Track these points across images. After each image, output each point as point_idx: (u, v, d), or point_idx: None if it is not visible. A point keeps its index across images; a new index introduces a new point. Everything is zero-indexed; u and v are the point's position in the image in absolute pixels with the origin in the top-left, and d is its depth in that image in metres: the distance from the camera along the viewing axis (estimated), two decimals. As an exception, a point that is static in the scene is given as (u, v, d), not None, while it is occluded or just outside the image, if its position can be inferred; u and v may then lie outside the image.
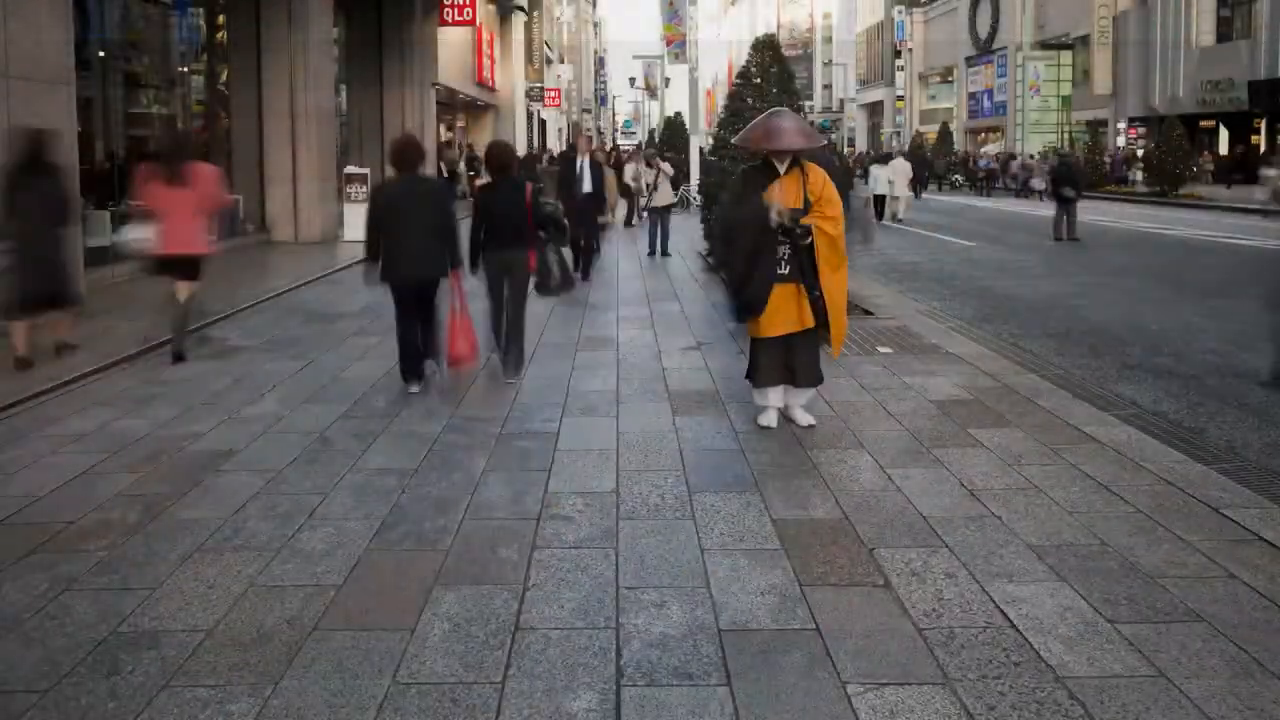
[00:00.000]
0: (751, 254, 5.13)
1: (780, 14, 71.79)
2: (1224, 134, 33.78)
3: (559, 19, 50.12)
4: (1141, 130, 35.59)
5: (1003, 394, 6.08)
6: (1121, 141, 36.76)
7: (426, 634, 3.09)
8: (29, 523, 4.04)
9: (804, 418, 5.38)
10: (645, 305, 9.89)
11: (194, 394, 6.19)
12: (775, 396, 5.34)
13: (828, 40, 68.51)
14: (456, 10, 22.77)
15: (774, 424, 5.30)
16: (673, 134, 31.62)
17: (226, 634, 3.08)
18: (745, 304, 5.22)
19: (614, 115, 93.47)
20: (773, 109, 6.02)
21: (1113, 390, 6.44)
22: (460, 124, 31.48)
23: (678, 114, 33.53)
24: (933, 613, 3.22)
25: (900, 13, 56.29)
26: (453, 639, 3.05)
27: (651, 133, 46.31)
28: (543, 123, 42.07)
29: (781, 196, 5.04)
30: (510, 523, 4.01)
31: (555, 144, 41.24)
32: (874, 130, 62.97)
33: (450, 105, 27.67)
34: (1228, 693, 2.74)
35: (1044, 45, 43.86)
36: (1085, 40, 39.31)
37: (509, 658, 2.94)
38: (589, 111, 69.61)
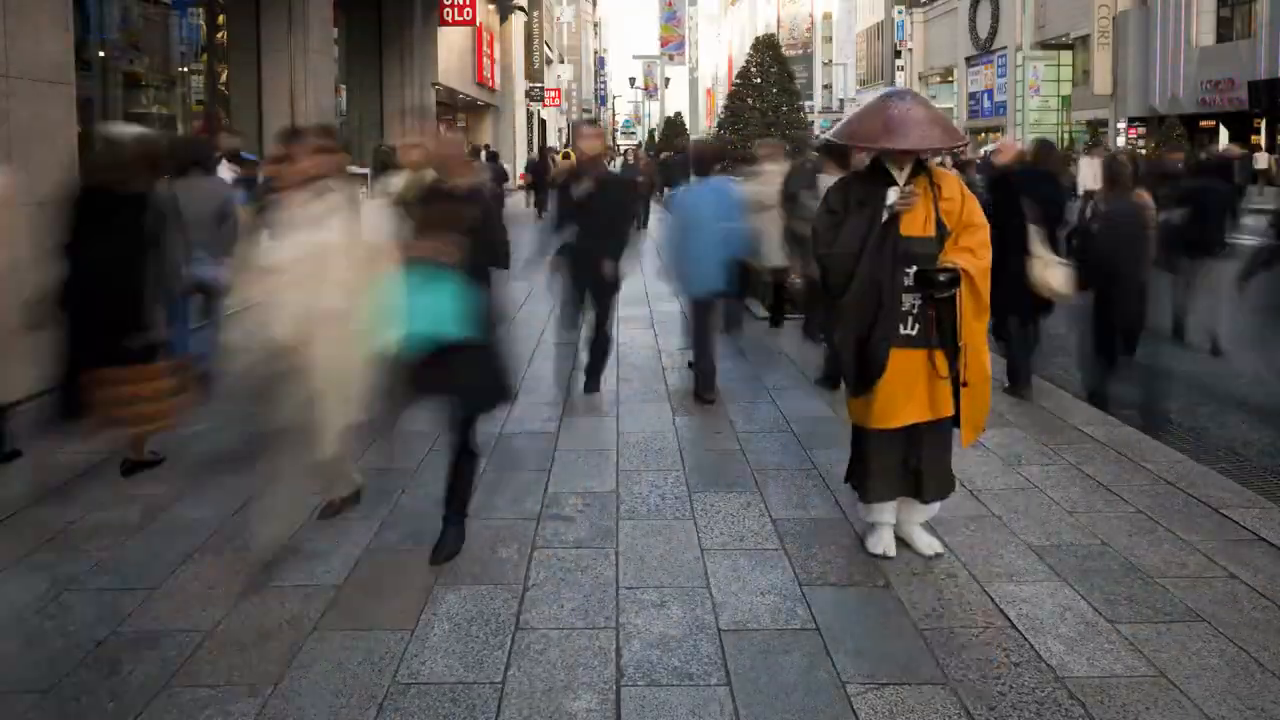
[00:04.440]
0: (858, 302, 3.54)
1: (780, 14, 71.74)
2: (1224, 134, 33.76)
3: (559, 19, 50.12)
4: (1142, 130, 35.59)
5: (1003, 394, 6.07)
6: (1121, 141, 36.76)
7: (426, 634, 3.09)
8: (28, 522, 4.04)
9: (928, 543, 3.72)
10: (645, 305, 9.89)
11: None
12: (891, 512, 3.74)
13: (828, 40, 68.40)
14: (456, 10, 22.75)
15: (892, 551, 3.68)
16: (673, 134, 31.76)
17: (226, 634, 3.08)
18: (861, 373, 3.59)
19: (614, 115, 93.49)
20: (890, 89, 4.20)
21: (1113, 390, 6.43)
22: (460, 124, 31.48)
23: (678, 114, 33.67)
24: (933, 613, 3.22)
25: (900, 13, 56.28)
26: (453, 639, 3.05)
27: (651, 133, 46.39)
28: (543, 123, 42.03)
29: (902, 221, 3.52)
30: (510, 523, 4.02)
31: (555, 144, 40.95)
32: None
33: (450, 105, 27.67)
34: (1228, 693, 2.74)
35: (1044, 45, 43.82)
36: (1085, 40, 39.31)
37: (509, 658, 2.94)
38: (589, 111, 69.65)
